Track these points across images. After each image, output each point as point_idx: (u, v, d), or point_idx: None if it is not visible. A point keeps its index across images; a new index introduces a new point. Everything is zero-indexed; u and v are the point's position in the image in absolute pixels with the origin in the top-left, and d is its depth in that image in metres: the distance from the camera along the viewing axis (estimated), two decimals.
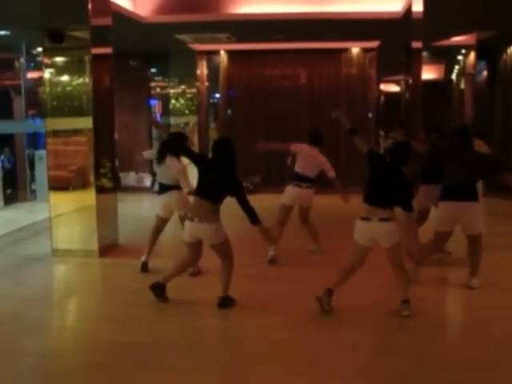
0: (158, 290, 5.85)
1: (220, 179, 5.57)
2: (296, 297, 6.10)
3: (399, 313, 5.63)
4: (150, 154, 7.73)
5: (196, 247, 5.79)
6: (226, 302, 5.73)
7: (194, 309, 5.87)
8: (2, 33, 10.85)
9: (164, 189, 6.84)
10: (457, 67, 7.43)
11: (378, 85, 15.47)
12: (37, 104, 12.73)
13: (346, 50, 13.50)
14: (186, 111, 19.78)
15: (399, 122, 12.09)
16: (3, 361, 4.72)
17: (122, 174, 13.52)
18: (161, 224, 7.04)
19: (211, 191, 5.59)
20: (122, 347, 4.93)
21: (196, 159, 5.86)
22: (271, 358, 4.73)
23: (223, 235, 5.67)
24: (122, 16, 8.82)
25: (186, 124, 17.16)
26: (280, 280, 6.78)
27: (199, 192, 5.68)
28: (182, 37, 11.92)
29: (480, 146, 8.19)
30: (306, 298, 5.86)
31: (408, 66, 8.96)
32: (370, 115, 13.58)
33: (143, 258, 6.97)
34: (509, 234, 8.98)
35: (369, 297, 6.17)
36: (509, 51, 12.26)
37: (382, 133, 18.72)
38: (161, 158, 6.63)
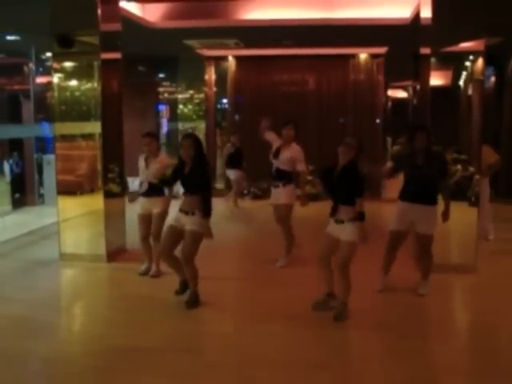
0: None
1: (192, 173, 5.82)
2: (297, 301, 6.10)
3: (405, 318, 5.63)
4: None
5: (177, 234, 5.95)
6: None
7: (201, 314, 5.87)
8: (12, 38, 10.92)
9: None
10: (465, 73, 7.39)
11: (385, 91, 15.48)
12: (45, 108, 12.78)
13: (354, 56, 13.50)
14: (194, 116, 19.84)
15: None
16: (11, 364, 4.74)
17: (129, 179, 13.53)
18: None
19: (190, 184, 5.86)
20: (129, 352, 4.94)
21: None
22: (276, 363, 4.73)
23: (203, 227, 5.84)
24: (131, 21, 8.86)
25: (194, 129, 17.19)
26: (281, 284, 6.79)
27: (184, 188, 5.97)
28: (190, 42, 11.96)
29: (488, 152, 8.19)
30: (308, 303, 5.87)
31: (416, 71, 8.94)
32: (377, 121, 13.58)
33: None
34: None
35: (373, 302, 6.17)
36: None
37: (389, 139, 18.74)
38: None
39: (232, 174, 11.98)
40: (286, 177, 7.30)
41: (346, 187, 5.44)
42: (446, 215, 6.23)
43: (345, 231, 5.46)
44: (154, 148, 6.91)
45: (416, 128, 6.41)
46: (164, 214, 6.91)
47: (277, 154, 7.31)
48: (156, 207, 6.92)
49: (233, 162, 11.93)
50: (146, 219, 7.01)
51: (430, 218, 6.19)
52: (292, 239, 7.51)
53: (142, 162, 6.98)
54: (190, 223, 5.79)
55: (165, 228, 6.34)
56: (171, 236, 5.95)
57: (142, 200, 7.05)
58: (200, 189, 5.81)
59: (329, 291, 5.81)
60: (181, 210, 5.88)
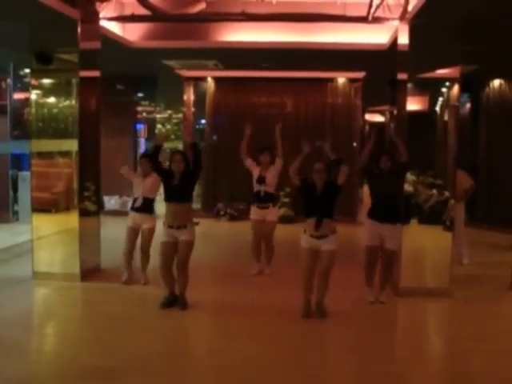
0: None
1: (183, 185, 6.39)
2: (275, 323, 6.08)
3: (379, 341, 5.64)
4: (127, 170, 7.87)
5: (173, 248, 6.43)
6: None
7: (173, 335, 5.83)
8: None
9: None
10: (441, 99, 7.51)
11: (362, 115, 15.61)
12: (22, 125, 12.67)
13: (332, 80, 13.64)
14: (172, 136, 19.83)
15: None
16: None
17: (105, 198, 13.46)
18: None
19: (179, 194, 6.37)
20: (101, 372, 4.86)
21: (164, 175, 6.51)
22: None
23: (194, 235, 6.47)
24: (110, 40, 8.85)
25: (172, 149, 17.18)
26: (258, 306, 6.74)
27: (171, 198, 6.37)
28: (169, 62, 11.98)
29: (462, 176, 8.29)
30: (283, 324, 5.86)
31: (393, 96, 9.06)
32: (354, 144, 13.68)
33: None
34: (492, 264, 9.00)
35: (347, 325, 6.17)
36: (491, 85, 12.48)
37: None
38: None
39: None
40: (273, 198, 8.18)
41: (329, 200, 6.14)
42: None
43: (327, 242, 6.05)
44: (148, 168, 7.32)
45: (381, 152, 6.91)
46: (153, 230, 7.40)
47: (263, 180, 8.01)
48: (146, 223, 7.39)
49: None
50: (135, 232, 7.45)
51: (396, 235, 6.71)
52: (273, 252, 8.25)
53: (137, 180, 7.50)
54: (184, 235, 6.33)
55: (158, 244, 6.57)
56: (170, 251, 6.39)
57: (132, 214, 7.47)
58: (189, 199, 6.42)
59: (309, 298, 6.21)
60: (171, 226, 6.31)
